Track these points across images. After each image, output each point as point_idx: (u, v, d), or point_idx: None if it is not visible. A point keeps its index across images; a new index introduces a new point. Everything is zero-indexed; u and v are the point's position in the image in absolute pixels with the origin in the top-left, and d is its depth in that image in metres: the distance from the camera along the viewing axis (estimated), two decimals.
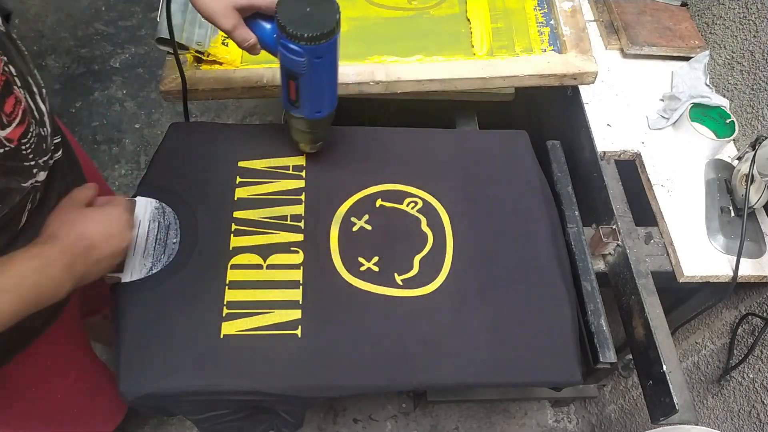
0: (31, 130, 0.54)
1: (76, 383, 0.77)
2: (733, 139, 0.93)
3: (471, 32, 0.90)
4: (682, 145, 0.93)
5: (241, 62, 0.86)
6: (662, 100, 0.99)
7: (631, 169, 0.93)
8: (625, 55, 1.05)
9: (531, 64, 0.86)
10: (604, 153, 0.92)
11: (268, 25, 0.62)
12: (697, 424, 0.69)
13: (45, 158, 0.58)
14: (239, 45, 0.63)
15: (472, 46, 0.89)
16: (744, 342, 0.89)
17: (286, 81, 0.62)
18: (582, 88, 0.95)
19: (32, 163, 0.56)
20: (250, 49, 0.64)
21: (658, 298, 0.78)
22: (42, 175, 0.58)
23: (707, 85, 0.99)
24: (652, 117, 0.97)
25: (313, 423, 1.35)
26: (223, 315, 0.67)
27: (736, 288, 0.80)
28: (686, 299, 0.95)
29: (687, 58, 1.03)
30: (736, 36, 0.97)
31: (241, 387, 0.63)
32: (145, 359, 0.63)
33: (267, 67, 0.84)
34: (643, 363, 0.76)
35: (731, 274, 0.80)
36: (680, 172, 0.91)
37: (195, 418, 0.75)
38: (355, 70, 0.84)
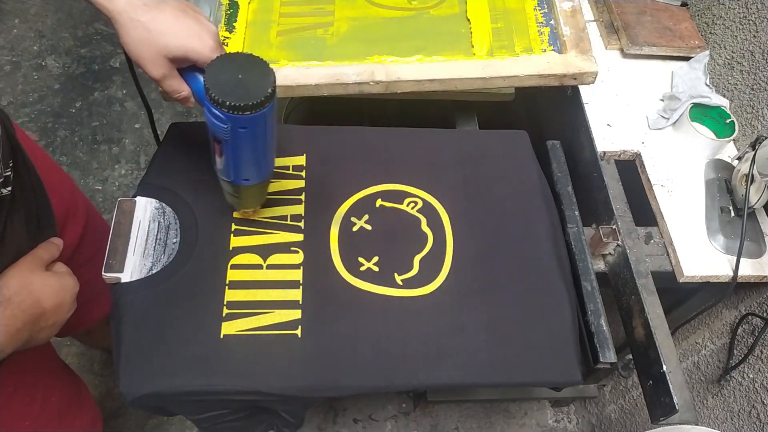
0: None
1: (44, 409, 0.74)
2: (733, 139, 0.94)
3: (471, 32, 0.90)
4: (682, 145, 0.93)
5: None
6: (662, 100, 0.99)
7: (631, 169, 0.93)
8: (625, 55, 1.05)
9: (531, 64, 0.86)
10: (604, 153, 0.92)
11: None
12: (697, 424, 0.69)
13: None
14: (169, 96, 0.59)
15: (472, 46, 0.89)
16: (744, 342, 0.89)
17: (212, 140, 0.56)
18: (582, 88, 0.95)
19: None
20: (182, 101, 0.59)
21: (658, 298, 0.78)
22: None
23: (707, 85, 0.99)
24: (652, 117, 0.97)
25: (313, 423, 1.35)
26: (223, 315, 0.67)
27: (736, 288, 0.80)
28: (686, 299, 0.95)
29: (687, 58, 1.03)
30: (736, 36, 0.97)
31: (241, 387, 0.63)
32: (145, 359, 0.63)
33: None
34: (643, 363, 0.76)
35: (731, 274, 0.80)
36: (680, 172, 0.91)
37: (195, 417, 0.75)
38: (355, 70, 0.84)
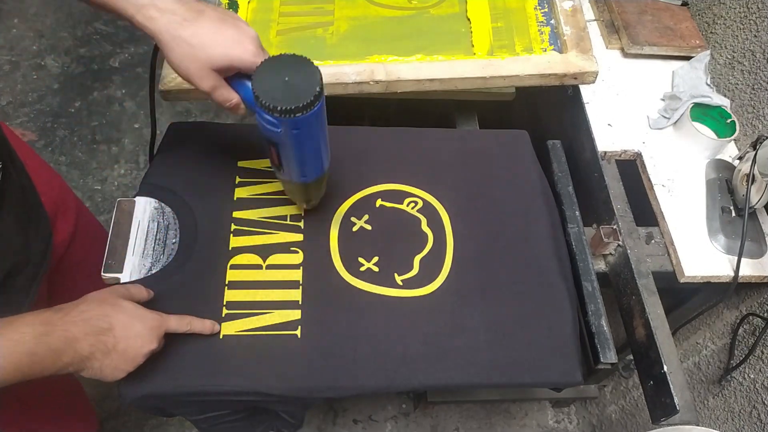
0: None
1: (38, 413, 0.73)
2: (734, 139, 0.93)
3: (471, 31, 0.90)
4: (683, 144, 0.93)
5: None
6: (663, 100, 0.99)
7: (631, 168, 0.93)
8: (625, 55, 1.04)
9: (531, 63, 0.86)
10: (605, 153, 0.92)
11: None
12: (697, 425, 0.68)
13: None
14: (220, 106, 0.58)
15: (473, 46, 0.89)
16: (745, 342, 0.89)
17: (267, 145, 0.57)
18: (582, 88, 0.95)
19: None
20: (233, 110, 0.59)
21: (659, 299, 0.77)
22: None
23: (708, 85, 0.99)
24: (652, 117, 0.97)
25: (312, 424, 1.34)
26: (223, 315, 0.66)
27: (736, 288, 0.79)
28: (687, 299, 0.95)
29: (688, 58, 1.03)
30: (737, 35, 0.97)
31: (240, 387, 0.63)
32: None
33: None
34: (643, 363, 0.76)
35: (732, 274, 0.79)
36: (681, 172, 0.91)
37: (194, 418, 0.75)
38: (355, 70, 0.83)
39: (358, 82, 0.83)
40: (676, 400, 0.69)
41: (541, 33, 0.91)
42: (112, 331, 0.53)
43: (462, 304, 0.70)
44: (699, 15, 1.06)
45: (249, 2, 0.92)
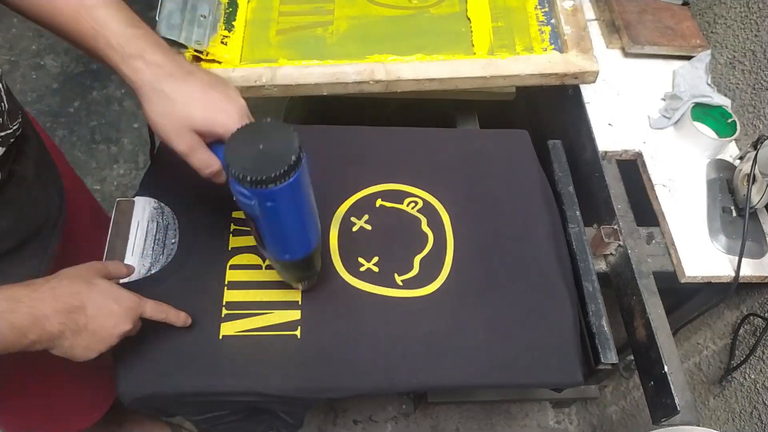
0: None
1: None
2: (735, 139, 0.93)
3: (471, 31, 0.90)
4: (684, 144, 0.93)
5: (240, 61, 0.85)
6: (664, 100, 0.99)
7: (632, 168, 0.93)
8: (626, 55, 1.04)
9: (532, 63, 0.86)
10: (606, 152, 0.92)
11: None
12: (698, 425, 0.68)
13: (1, 133, 0.54)
14: (199, 172, 0.54)
15: (473, 45, 0.88)
16: (746, 343, 0.88)
17: (247, 219, 0.52)
18: (583, 88, 0.95)
19: None
20: (214, 176, 0.54)
21: (660, 299, 0.77)
22: None
23: (709, 85, 0.98)
24: (653, 116, 0.97)
25: (313, 424, 1.34)
26: (222, 316, 0.66)
27: (737, 288, 0.79)
28: (688, 300, 0.95)
29: (688, 58, 1.03)
30: (737, 35, 0.97)
31: (240, 388, 0.63)
32: (144, 360, 0.63)
33: (267, 67, 0.84)
34: (644, 364, 0.75)
35: (733, 274, 0.79)
36: (682, 172, 0.90)
37: (194, 418, 0.75)
38: (355, 69, 0.83)
39: (358, 82, 0.83)
40: (676, 400, 0.69)
41: (542, 32, 0.90)
42: (83, 309, 0.51)
43: (462, 304, 0.70)
44: (700, 14, 1.06)
45: (249, 2, 0.92)
